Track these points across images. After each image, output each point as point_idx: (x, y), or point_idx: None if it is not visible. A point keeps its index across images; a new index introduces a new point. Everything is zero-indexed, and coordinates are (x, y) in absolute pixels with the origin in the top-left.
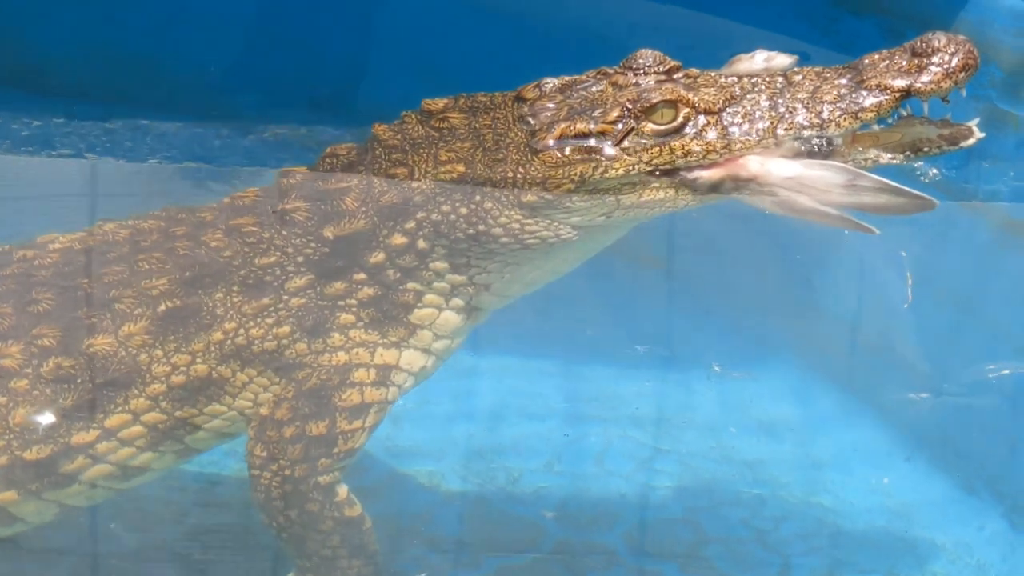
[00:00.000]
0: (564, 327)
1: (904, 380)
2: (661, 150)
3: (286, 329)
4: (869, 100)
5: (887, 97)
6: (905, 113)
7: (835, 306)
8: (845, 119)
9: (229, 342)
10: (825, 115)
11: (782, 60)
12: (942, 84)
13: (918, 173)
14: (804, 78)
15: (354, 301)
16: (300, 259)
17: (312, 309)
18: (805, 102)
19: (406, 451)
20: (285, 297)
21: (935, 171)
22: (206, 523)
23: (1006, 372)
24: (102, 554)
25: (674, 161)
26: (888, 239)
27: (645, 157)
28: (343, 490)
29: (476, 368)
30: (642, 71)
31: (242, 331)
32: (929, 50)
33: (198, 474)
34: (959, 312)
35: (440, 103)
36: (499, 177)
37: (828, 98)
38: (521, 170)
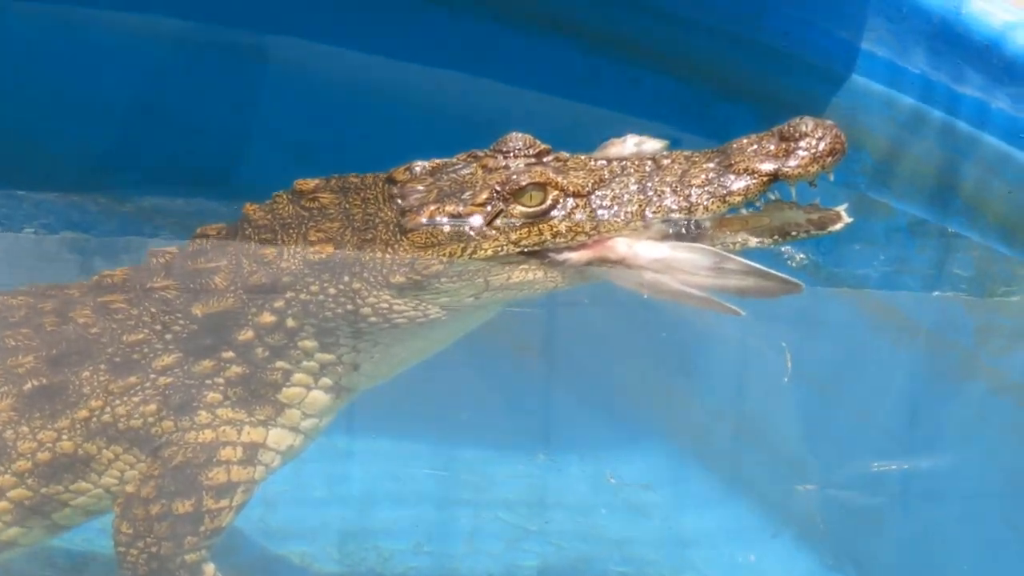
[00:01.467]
0: (439, 410)
1: (780, 467)
2: (530, 231)
3: (153, 407)
4: (737, 184)
5: (755, 181)
6: (773, 197)
7: (712, 391)
8: (713, 203)
9: (95, 419)
10: (693, 199)
11: (652, 145)
12: (809, 168)
13: (786, 257)
14: (673, 162)
15: (222, 379)
16: (168, 337)
17: (179, 387)
18: (673, 186)
19: (279, 532)
20: (152, 375)
21: (802, 256)
22: None
23: (877, 467)
24: None
25: (543, 242)
26: (763, 321)
27: (513, 237)
28: (210, 568)
29: (350, 450)
30: (512, 154)
31: (108, 409)
32: (797, 134)
33: (68, 551)
34: (831, 400)
35: (311, 183)
36: (368, 257)
37: (696, 182)
38: (390, 250)
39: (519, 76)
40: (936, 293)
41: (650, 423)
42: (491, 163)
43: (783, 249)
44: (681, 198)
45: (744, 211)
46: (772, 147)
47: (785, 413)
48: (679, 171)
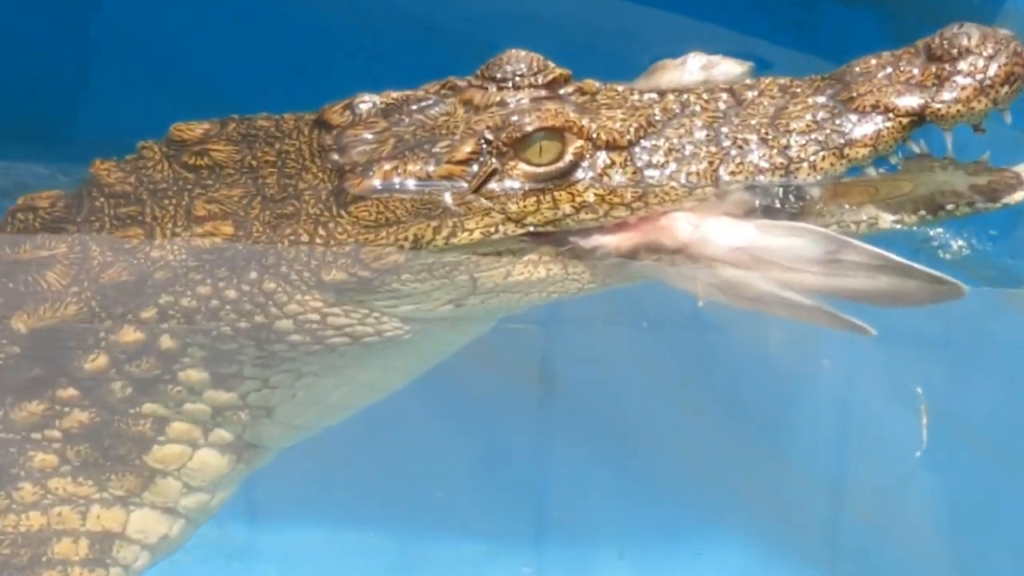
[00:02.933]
0: (398, 484)
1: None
2: (539, 202)
3: None
4: (861, 129)
5: (889, 124)
6: (918, 151)
7: (807, 457)
8: (824, 158)
9: None
10: (793, 152)
11: (728, 68)
12: (974, 104)
13: (936, 244)
14: (761, 95)
15: (58, 432)
16: None
17: None
18: (762, 132)
19: None
20: None
21: (961, 242)
22: None
23: None
24: None
25: (560, 220)
26: (884, 347)
27: (515, 211)
28: None
29: (253, 546)
30: (510, 83)
31: None
32: (954, 51)
33: None
34: (1004, 470)
35: (198, 129)
36: (288, 242)
37: (798, 126)
38: (322, 231)
39: None
40: None
41: (717, 505)
42: (478, 97)
43: (932, 232)
44: (775, 151)
45: (873, 172)
46: (915, 71)
47: (918, 502)
48: (771, 110)
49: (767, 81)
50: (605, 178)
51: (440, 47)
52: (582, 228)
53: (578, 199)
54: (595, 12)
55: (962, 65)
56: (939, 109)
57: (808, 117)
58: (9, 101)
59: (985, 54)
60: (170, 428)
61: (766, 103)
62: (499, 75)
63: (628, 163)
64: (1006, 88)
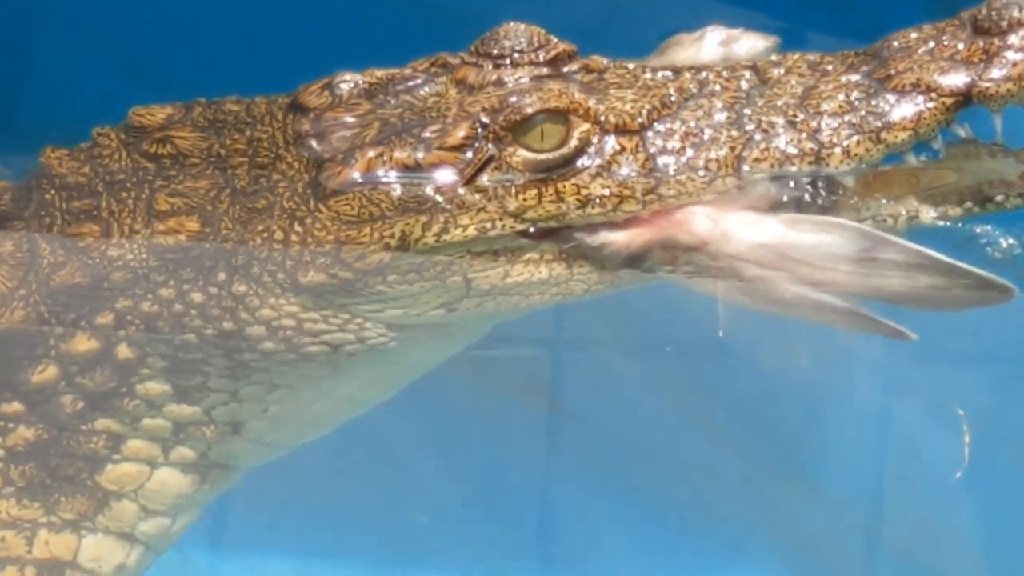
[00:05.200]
0: (379, 510)
1: None
2: (541, 195)
3: None
4: (900, 111)
5: (932, 105)
6: (964, 136)
7: (839, 483)
8: (860, 143)
9: None
10: (825, 136)
11: (751, 43)
12: None
13: (984, 241)
14: (789, 73)
15: (0, 451)
16: None
17: None
18: (790, 114)
19: None
20: None
21: (1012, 240)
22: None
23: None
24: None
25: (564, 215)
26: (920, 360)
27: (513, 206)
28: None
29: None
30: (508, 60)
31: None
32: (1004, 23)
33: None
34: None
35: (160, 114)
36: (260, 240)
37: (830, 107)
38: (299, 228)
39: None
40: None
41: (727, 535)
42: (473, 76)
43: (979, 228)
44: (804, 135)
45: (913, 159)
46: (960, 46)
47: (960, 529)
48: (799, 89)
49: (795, 57)
50: (614, 167)
51: (429, 19)
52: (588, 223)
53: (584, 191)
54: None
55: (1013, 39)
56: (987, 88)
57: (841, 97)
58: None
59: None
60: (126, 446)
61: (794, 82)
62: (495, 51)
63: (640, 150)
64: None
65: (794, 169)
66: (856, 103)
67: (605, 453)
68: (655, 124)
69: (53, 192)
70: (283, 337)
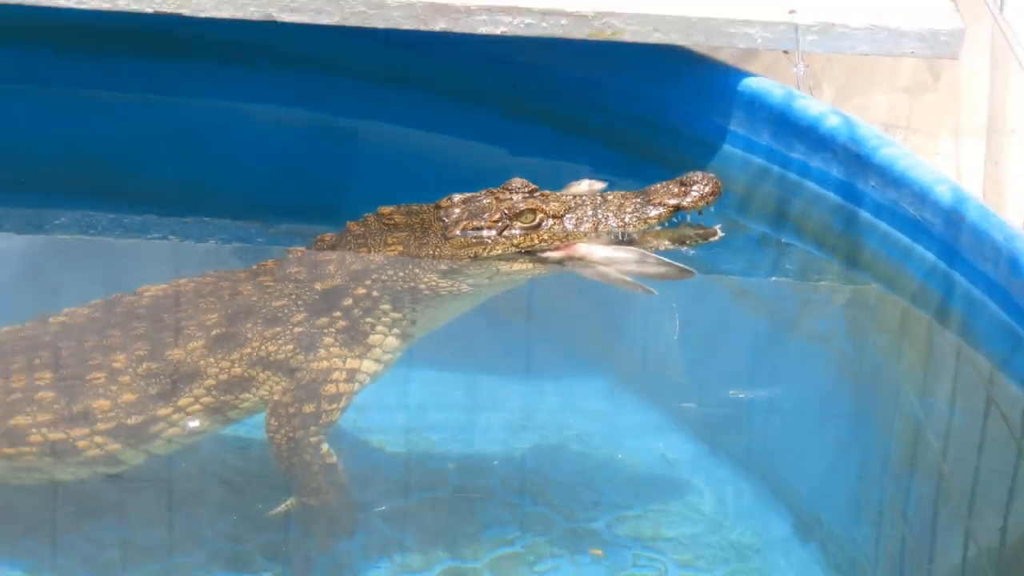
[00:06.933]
0: (480, 346)
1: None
2: (525, 238)
3: (291, 347)
4: (653, 212)
5: (664, 210)
6: (676, 220)
7: (632, 345)
8: (639, 223)
9: (255, 354)
10: (626, 220)
11: (598, 185)
12: (699, 203)
13: (684, 254)
14: (613, 197)
15: (333, 329)
16: (300, 303)
17: (307, 334)
18: (614, 212)
19: (365, 428)
20: (290, 326)
21: (693, 254)
22: (238, 465)
23: (741, 395)
24: (175, 478)
25: (533, 246)
26: (663, 289)
27: (515, 242)
28: (325, 447)
29: (408, 376)
30: (514, 191)
31: (263, 347)
32: (691, 182)
33: (236, 438)
34: (708, 346)
35: (389, 209)
36: (424, 254)
37: (628, 210)
38: (437, 250)
39: (517, 148)
40: (773, 279)
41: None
42: (501, 196)
43: (682, 250)
44: (619, 219)
45: (658, 228)
46: (676, 189)
47: (676, 358)
48: (617, 203)
49: (615, 193)
50: (552, 229)
51: (483, 179)
52: (542, 249)
53: (541, 237)
54: (544, 168)
55: (694, 187)
56: (685, 204)
57: (632, 206)
58: (311, 200)
59: (704, 183)
60: (377, 328)
61: (615, 200)
62: (509, 187)
63: (561, 222)
64: (712, 196)
65: (615, 231)
66: (638, 208)
67: None
68: (567, 214)
69: (350, 237)
70: (432, 289)
